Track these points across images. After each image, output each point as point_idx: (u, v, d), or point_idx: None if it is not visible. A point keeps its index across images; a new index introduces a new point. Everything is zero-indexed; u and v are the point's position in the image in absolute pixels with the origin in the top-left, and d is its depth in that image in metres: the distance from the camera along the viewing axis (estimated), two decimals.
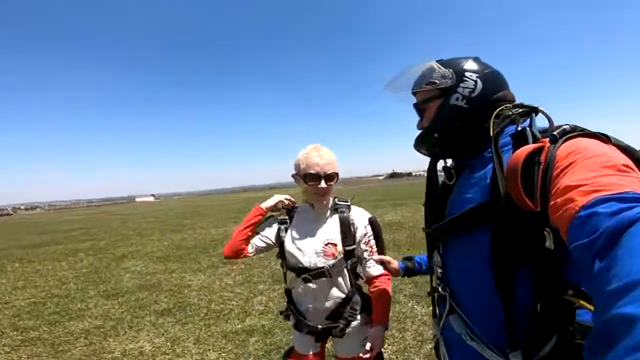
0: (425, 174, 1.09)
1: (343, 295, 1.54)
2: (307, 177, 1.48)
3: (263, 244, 1.60)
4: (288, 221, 1.61)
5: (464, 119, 0.89)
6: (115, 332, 3.64)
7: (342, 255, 1.50)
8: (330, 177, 1.50)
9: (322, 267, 1.48)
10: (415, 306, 3.77)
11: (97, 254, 8.54)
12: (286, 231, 1.59)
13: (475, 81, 0.88)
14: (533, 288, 0.72)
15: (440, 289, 0.97)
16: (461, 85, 0.88)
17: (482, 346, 0.82)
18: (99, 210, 46.82)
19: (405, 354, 2.87)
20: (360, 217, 1.57)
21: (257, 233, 1.61)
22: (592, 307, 0.66)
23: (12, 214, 63.75)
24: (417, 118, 1.05)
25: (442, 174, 1.06)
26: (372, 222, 1.58)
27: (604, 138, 0.67)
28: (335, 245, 1.50)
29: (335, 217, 1.56)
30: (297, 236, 1.56)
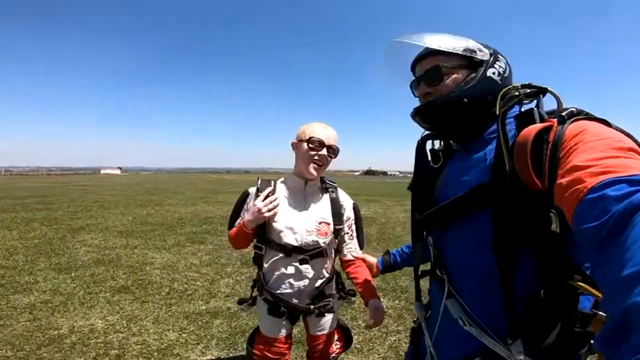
0: (414, 159, 1.05)
1: (327, 275, 1.54)
2: (310, 141, 1.41)
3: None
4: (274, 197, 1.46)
5: (495, 95, 0.83)
6: (64, 307, 3.34)
7: (332, 235, 1.50)
8: (332, 149, 1.45)
9: (320, 247, 1.44)
10: (382, 299, 3.73)
11: (52, 225, 7.97)
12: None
13: (506, 64, 0.89)
14: (536, 273, 0.71)
15: (438, 272, 0.93)
16: (497, 63, 0.88)
17: (480, 332, 0.79)
18: (59, 179, 44.17)
19: (370, 344, 2.86)
20: (347, 200, 1.60)
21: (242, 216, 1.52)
22: (598, 294, 0.65)
23: None
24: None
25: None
26: (355, 208, 1.63)
27: (608, 123, 0.66)
28: (328, 224, 1.48)
29: (326, 196, 1.55)
30: (287, 212, 1.46)
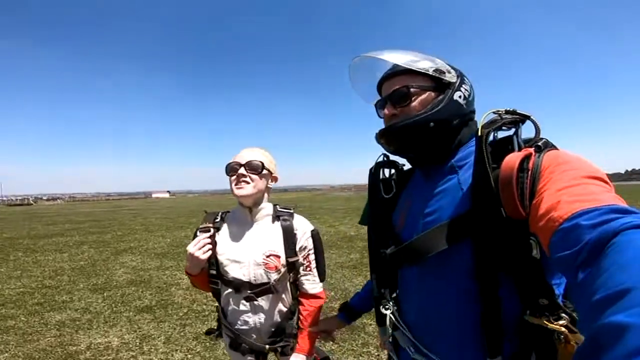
0: (368, 188, 1.02)
1: (285, 310, 1.42)
2: (227, 170, 1.37)
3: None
4: (213, 229, 1.40)
5: (460, 118, 0.84)
6: (89, 325, 3.62)
7: (285, 268, 1.37)
8: (253, 166, 1.34)
9: (267, 283, 1.33)
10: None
11: (100, 247, 8.67)
12: (215, 238, 1.39)
13: (471, 87, 0.88)
14: (517, 296, 0.71)
15: (388, 309, 0.93)
16: (463, 86, 0.86)
17: (422, 356, 0.83)
18: (115, 204, 47.96)
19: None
20: (302, 227, 1.44)
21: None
22: (554, 326, 0.66)
23: (32, 204, 66.08)
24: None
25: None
26: (314, 236, 1.45)
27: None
28: (278, 257, 1.35)
29: (277, 225, 1.41)
30: (232, 244, 1.38)
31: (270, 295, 1.36)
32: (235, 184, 1.34)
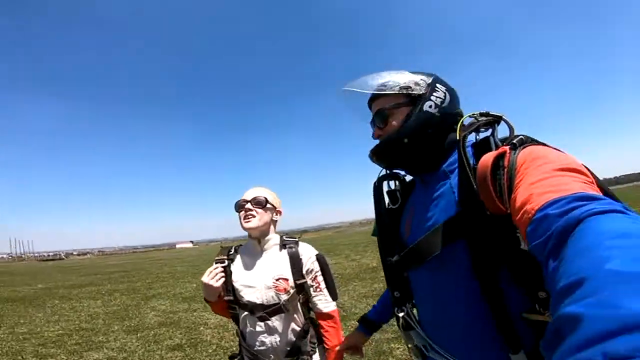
0: (373, 202, 1.06)
1: (299, 329, 1.50)
2: (236, 207, 1.54)
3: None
4: (227, 260, 1.55)
5: (435, 127, 0.88)
6: None
7: (294, 290, 1.48)
8: (258, 201, 1.51)
9: (278, 303, 1.44)
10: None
11: (131, 294, 8.94)
12: (230, 268, 1.54)
13: (445, 93, 0.90)
14: (519, 291, 0.72)
15: (401, 312, 0.98)
16: (434, 94, 0.89)
17: (440, 357, 0.86)
18: (141, 255, 48.95)
19: None
20: (307, 252, 1.56)
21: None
22: (540, 318, 0.68)
23: (63, 259, 68.31)
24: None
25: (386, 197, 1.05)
26: (319, 259, 1.57)
27: (546, 145, 0.71)
28: (286, 280, 1.47)
29: (284, 252, 1.54)
30: (244, 272, 1.52)
31: (283, 314, 1.45)
32: (243, 218, 1.50)
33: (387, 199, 1.06)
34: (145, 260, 30.66)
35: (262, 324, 1.45)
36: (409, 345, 1.02)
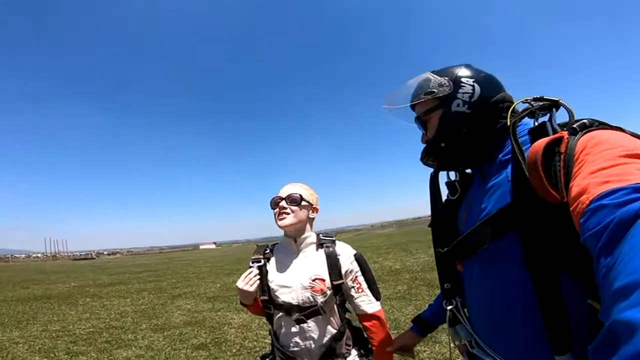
0: (429, 194, 1.05)
1: (335, 331, 1.45)
2: (271, 205, 1.51)
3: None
4: (263, 260, 1.52)
5: (469, 124, 0.88)
6: None
7: (331, 291, 1.42)
8: (292, 198, 1.47)
9: (315, 305, 1.39)
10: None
11: (158, 293, 9.17)
12: (266, 267, 1.50)
13: (473, 86, 0.87)
14: (579, 289, 0.68)
15: (450, 305, 0.96)
16: (460, 91, 0.88)
17: (485, 354, 0.85)
18: (167, 256, 50.34)
19: None
20: (345, 252, 1.50)
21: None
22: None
23: (95, 258, 71.29)
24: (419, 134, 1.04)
25: (446, 189, 1.05)
26: (358, 258, 1.51)
27: (622, 129, 0.65)
28: (323, 280, 1.42)
29: (321, 251, 1.49)
30: (280, 271, 1.49)
31: (317, 317, 1.40)
32: (278, 216, 1.47)
33: (445, 190, 1.05)
34: (171, 260, 31.49)
35: (297, 325, 1.40)
36: (455, 343, 0.99)
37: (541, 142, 0.65)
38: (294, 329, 1.42)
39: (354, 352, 1.49)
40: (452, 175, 1.06)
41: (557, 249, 0.68)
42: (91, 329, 5.37)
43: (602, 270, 0.42)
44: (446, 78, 0.90)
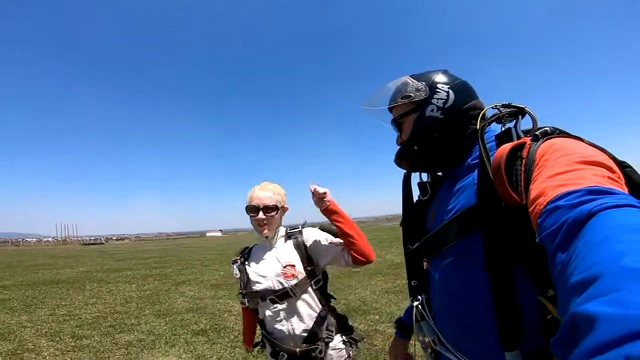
0: (401, 193, 1.09)
1: (314, 314, 1.57)
2: (247, 210, 1.64)
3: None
4: (241, 259, 1.69)
5: (440, 130, 0.90)
6: (152, 346, 4.00)
7: (303, 275, 1.56)
8: (269, 208, 1.60)
9: (285, 287, 1.54)
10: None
11: (162, 279, 9.38)
12: (245, 265, 1.66)
13: (447, 92, 0.90)
14: (532, 289, 0.71)
15: (416, 301, 0.99)
16: (435, 96, 0.90)
17: (447, 351, 0.88)
18: (174, 242, 51.16)
19: None
20: (308, 233, 1.66)
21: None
22: (554, 311, 0.67)
23: (104, 243, 72.75)
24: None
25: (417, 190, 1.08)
26: (319, 227, 1.70)
27: (580, 139, 0.68)
28: (293, 266, 1.57)
29: (290, 242, 1.66)
30: (257, 265, 1.65)
31: (292, 299, 1.53)
32: (259, 225, 1.60)
33: (417, 191, 1.08)
34: (177, 247, 32.01)
35: (276, 310, 1.54)
36: (419, 339, 1.01)
37: (505, 147, 0.68)
38: (274, 314, 1.55)
39: (337, 338, 1.59)
40: (424, 176, 1.09)
41: (517, 251, 0.71)
42: (97, 314, 5.54)
43: (557, 267, 0.45)
44: (423, 83, 0.92)
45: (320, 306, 1.59)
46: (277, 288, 1.55)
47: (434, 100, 0.90)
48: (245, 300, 1.60)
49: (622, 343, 0.27)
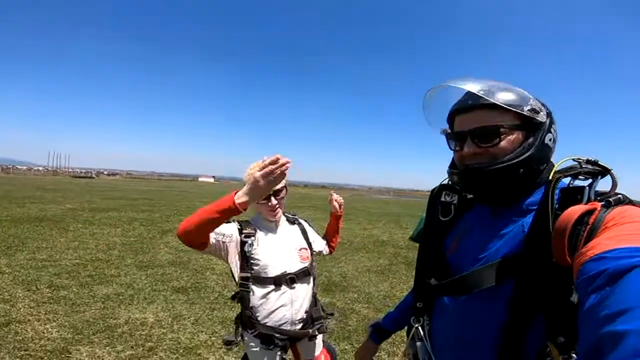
0: (426, 209, 1.03)
1: (312, 298, 1.68)
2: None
3: (219, 245, 1.48)
4: (253, 235, 1.55)
5: (547, 163, 0.82)
6: (130, 301, 4.01)
7: (311, 259, 1.69)
8: (279, 192, 1.56)
9: (306, 267, 1.62)
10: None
11: (148, 225, 9.38)
12: (253, 245, 1.53)
13: (556, 129, 0.84)
14: (542, 332, 0.72)
15: (417, 323, 0.98)
16: (553, 127, 0.81)
17: None
18: (165, 184, 51.22)
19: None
20: (305, 224, 1.83)
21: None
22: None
23: (94, 177, 72.77)
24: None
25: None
26: (309, 223, 1.89)
27: None
28: (306, 249, 1.68)
29: (295, 227, 1.75)
30: (268, 248, 1.57)
31: (306, 278, 1.62)
32: (270, 213, 1.58)
33: (439, 209, 1.00)
34: (169, 189, 32.09)
35: (284, 296, 1.54)
36: (407, 353, 1.03)
37: (575, 212, 0.64)
38: (281, 301, 1.54)
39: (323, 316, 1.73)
40: (449, 196, 1.00)
41: (544, 299, 0.70)
42: (77, 260, 5.51)
43: (588, 307, 0.48)
44: (542, 105, 0.82)
45: (314, 288, 1.71)
46: (294, 270, 1.58)
47: (552, 130, 0.81)
48: (249, 285, 1.52)
49: None
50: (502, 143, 0.78)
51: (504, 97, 0.77)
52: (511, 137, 0.78)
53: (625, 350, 0.32)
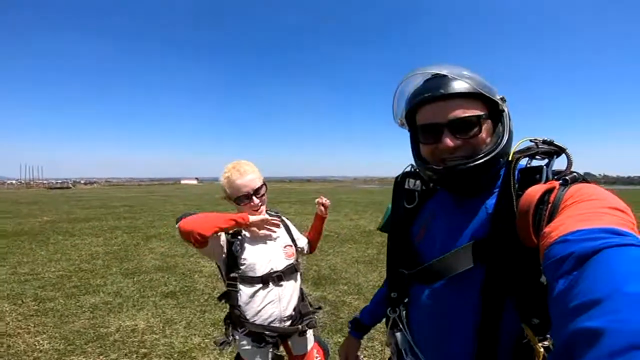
0: (392, 197, 1.03)
1: (299, 294, 1.71)
2: (239, 200, 1.57)
3: (216, 248, 1.55)
4: (240, 235, 1.58)
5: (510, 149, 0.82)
6: (119, 309, 3.95)
7: (296, 254, 1.73)
8: (259, 190, 1.60)
9: (292, 263, 1.65)
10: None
11: (132, 232, 9.21)
12: (241, 244, 1.56)
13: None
14: (516, 314, 0.73)
15: (394, 313, 0.98)
16: (507, 110, 0.81)
17: None
18: (147, 189, 50.12)
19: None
20: (289, 222, 1.84)
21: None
22: (536, 342, 0.71)
23: (71, 187, 70.48)
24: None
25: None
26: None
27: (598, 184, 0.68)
28: (291, 246, 1.71)
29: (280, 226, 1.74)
30: (256, 246, 1.60)
31: (293, 275, 1.64)
32: (255, 210, 1.59)
33: (404, 196, 1.01)
34: (150, 195, 31.39)
35: (272, 294, 1.56)
36: (388, 344, 1.04)
37: (536, 192, 0.67)
38: (269, 298, 1.56)
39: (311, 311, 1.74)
40: (412, 183, 1.00)
41: (514, 282, 0.72)
42: (60, 272, 5.39)
43: (557, 293, 0.47)
44: (497, 91, 0.79)
45: (301, 283, 1.74)
46: (281, 267, 1.60)
47: (510, 116, 0.81)
48: (237, 285, 1.55)
49: (627, 352, 0.30)
50: (482, 134, 0.76)
51: (480, 84, 0.75)
52: (486, 126, 0.77)
53: (601, 350, 0.31)
